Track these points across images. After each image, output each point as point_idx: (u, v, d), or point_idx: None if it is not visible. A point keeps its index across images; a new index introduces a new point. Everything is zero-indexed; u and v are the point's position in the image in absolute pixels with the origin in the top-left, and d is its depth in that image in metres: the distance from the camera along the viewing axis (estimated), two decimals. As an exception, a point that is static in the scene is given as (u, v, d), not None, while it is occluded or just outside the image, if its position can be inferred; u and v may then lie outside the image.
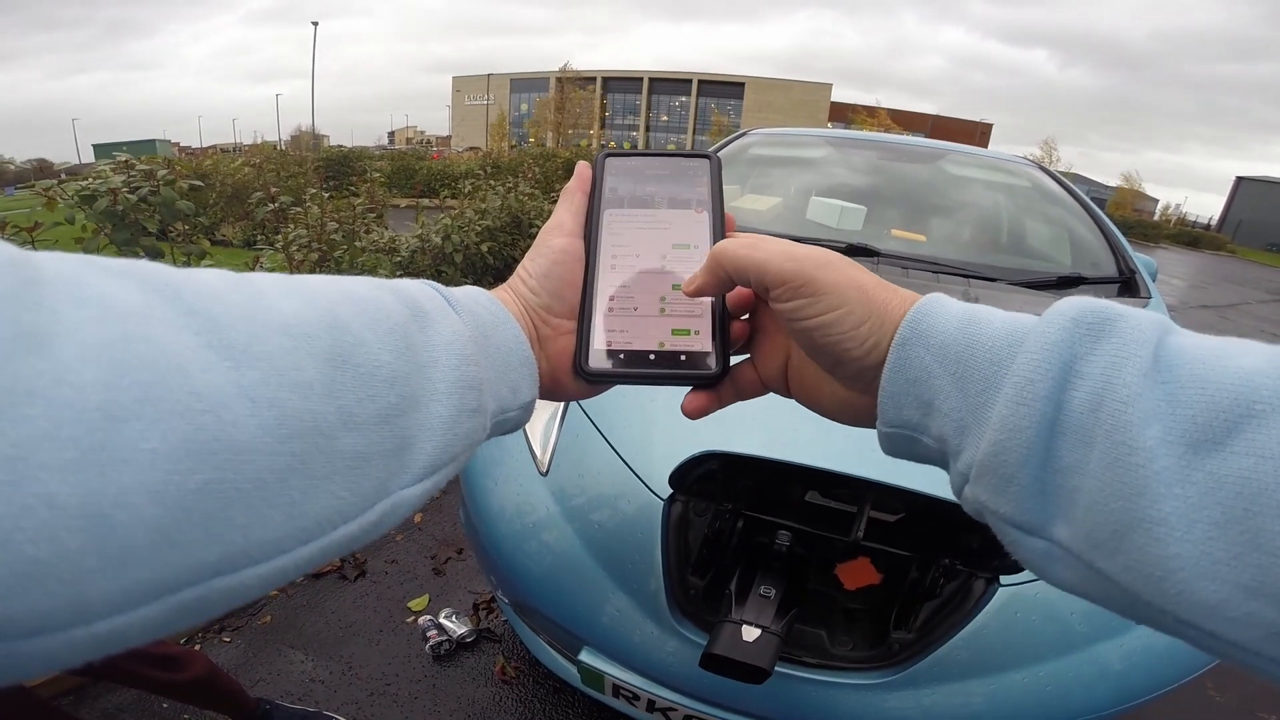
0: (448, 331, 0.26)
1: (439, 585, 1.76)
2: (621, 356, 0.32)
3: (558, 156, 10.57)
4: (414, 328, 0.25)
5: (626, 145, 39.67)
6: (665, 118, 52.43)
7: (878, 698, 0.87)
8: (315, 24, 44.31)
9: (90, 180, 2.40)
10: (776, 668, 0.86)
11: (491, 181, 5.03)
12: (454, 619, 1.59)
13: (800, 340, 0.30)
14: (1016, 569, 0.88)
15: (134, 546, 0.15)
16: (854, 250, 1.54)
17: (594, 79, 49.18)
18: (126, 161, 2.59)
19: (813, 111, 45.80)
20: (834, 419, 0.33)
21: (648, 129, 51.86)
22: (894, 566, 0.92)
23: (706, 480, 0.98)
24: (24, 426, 0.14)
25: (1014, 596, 0.87)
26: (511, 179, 5.30)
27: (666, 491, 0.94)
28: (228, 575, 0.17)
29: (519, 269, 0.35)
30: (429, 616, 1.61)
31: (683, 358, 0.32)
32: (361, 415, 0.21)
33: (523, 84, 52.85)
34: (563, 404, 1.17)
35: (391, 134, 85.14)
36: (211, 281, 0.20)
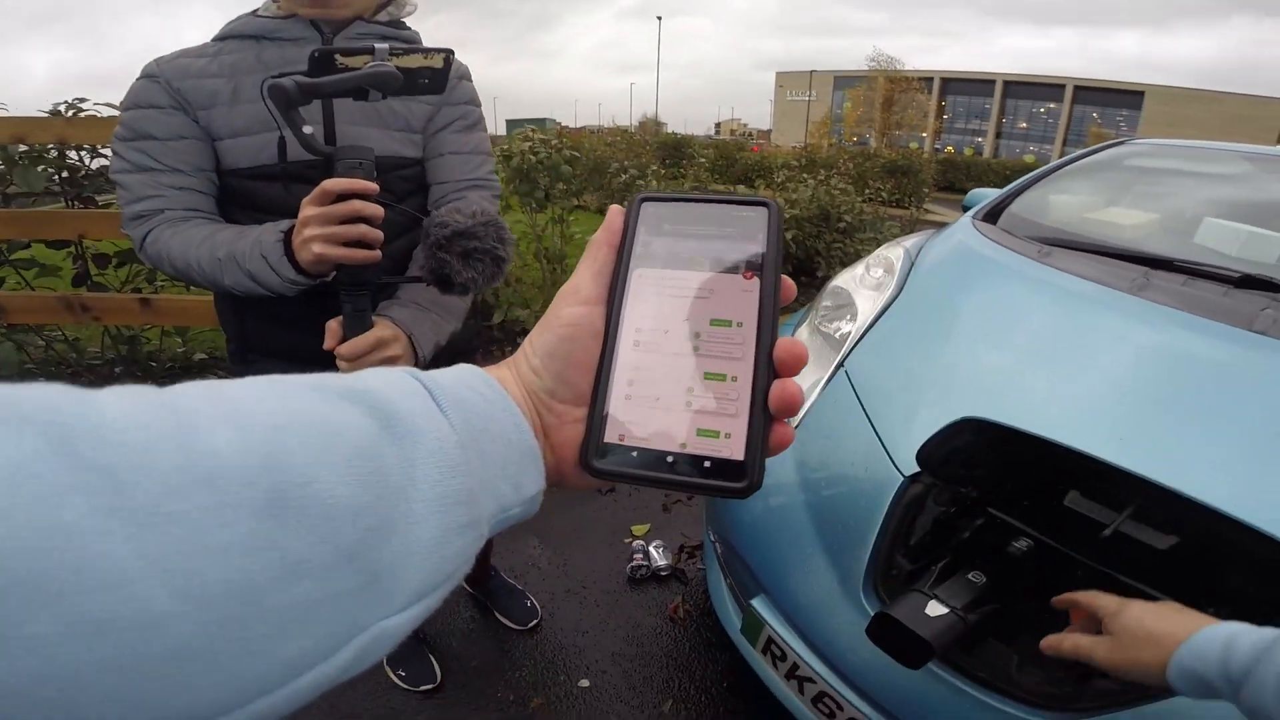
0: (431, 440, 0.23)
1: (662, 520, 2.01)
2: (634, 455, 0.28)
3: (880, 157, 10.06)
4: (385, 442, 0.22)
5: (969, 151, 35.36)
6: (1024, 124, 45.37)
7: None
8: (659, 19, 49.20)
9: (509, 145, 3.25)
10: (946, 676, 0.80)
11: (804, 175, 5.10)
12: (660, 551, 1.79)
13: None
14: None
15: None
16: (1251, 281, 1.25)
17: (930, 79, 44.73)
18: (531, 132, 3.43)
19: (1256, 131, 34.74)
20: None
21: (998, 135, 45.56)
22: None
23: (956, 460, 0.93)
24: None
25: None
26: (824, 172, 5.29)
27: (911, 468, 0.91)
28: None
29: (525, 342, 0.31)
30: (641, 541, 1.84)
31: (707, 464, 0.27)
32: (313, 561, 0.19)
33: (846, 81, 50.84)
34: (830, 368, 1.20)
35: (717, 125, 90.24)
36: (118, 416, 0.17)
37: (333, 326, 0.81)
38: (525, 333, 3.30)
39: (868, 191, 5.29)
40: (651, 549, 1.80)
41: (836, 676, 0.93)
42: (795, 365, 0.28)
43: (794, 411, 0.28)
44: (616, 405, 0.29)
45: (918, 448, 0.93)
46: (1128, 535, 0.82)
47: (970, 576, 0.79)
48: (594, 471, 0.28)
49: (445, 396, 0.25)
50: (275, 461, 0.19)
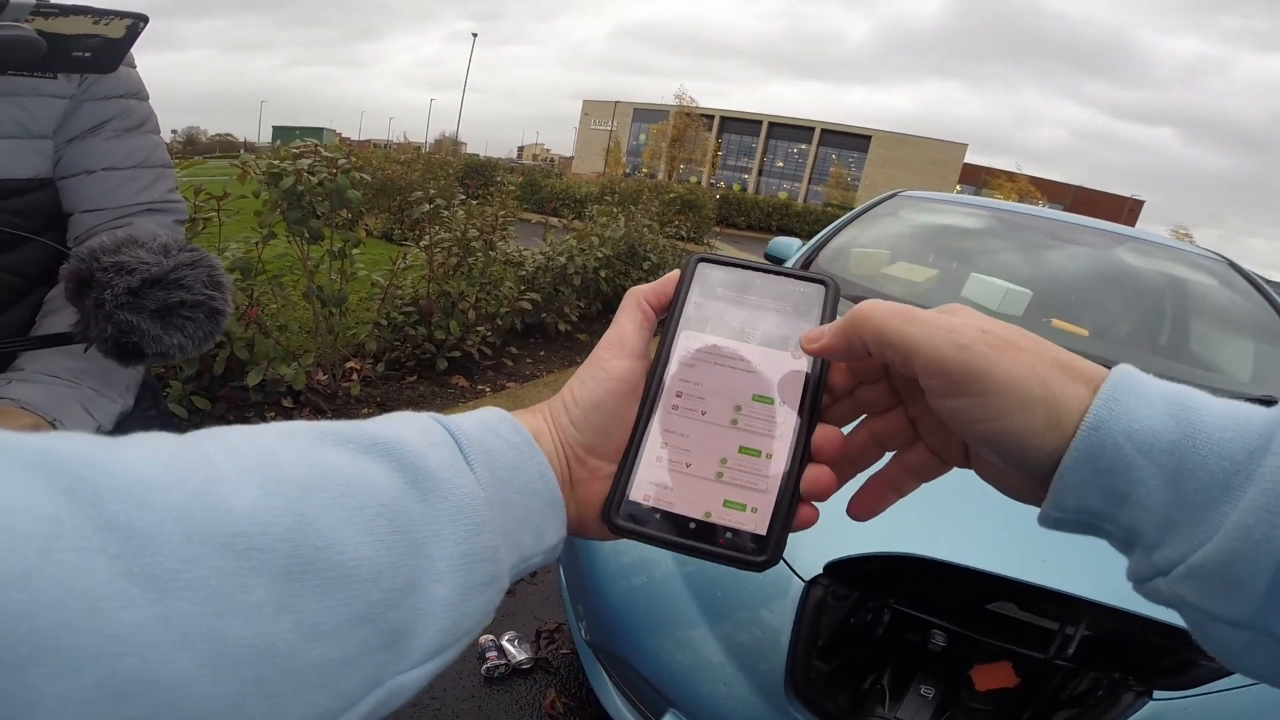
0: (457, 497, 0.23)
1: (506, 605, 1.73)
2: (658, 517, 0.28)
3: (671, 191, 10.68)
4: (410, 499, 0.22)
5: (736, 187, 39.81)
6: (781, 164, 52.44)
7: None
8: (475, 35, 48.25)
9: (279, 160, 2.60)
10: None
11: (614, 209, 5.17)
12: (516, 644, 1.57)
13: (965, 438, 0.26)
14: (1180, 686, 0.80)
15: None
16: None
17: (712, 116, 49.97)
18: (314, 147, 2.78)
19: (943, 172, 44.30)
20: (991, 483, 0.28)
21: (760, 173, 52.03)
22: (1035, 672, 0.86)
23: (864, 571, 0.93)
24: None
25: (1163, 711, 0.80)
26: (631, 208, 5.43)
27: (811, 573, 0.89)
28: None
29: (565, 391, 0.30)
30: (491, 637, 1.58)
31: (728, 534, 0.27)
32: (331, 623, 0.19)
33: (645, 114, 54.50)
34: None
35: (520, 149, 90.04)
36: (145, 473, 0.17)
37: None
38: (292, 393, 2.73)
39: (668, 229, 5.53)
40: (505, 643, 1.55)
41: None
42: (832, 454, 0.28)
43: (824, 497, 0.28)
44: (647, 466, 0.29)
45: (821, 558, 0.90)
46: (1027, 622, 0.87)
47: (921, 692, 0.81)
48: (614, 528, 0.28)
49: (473, 448, 0.25)
50: (299, 522, 0.19)
